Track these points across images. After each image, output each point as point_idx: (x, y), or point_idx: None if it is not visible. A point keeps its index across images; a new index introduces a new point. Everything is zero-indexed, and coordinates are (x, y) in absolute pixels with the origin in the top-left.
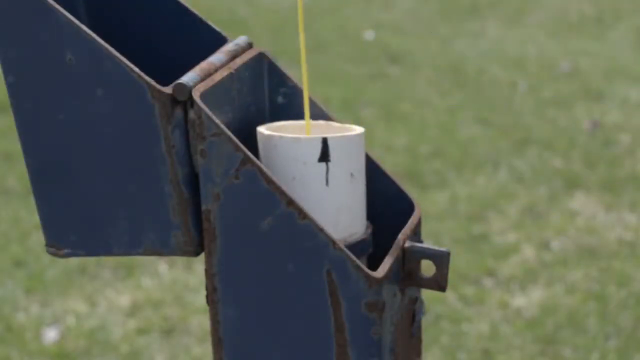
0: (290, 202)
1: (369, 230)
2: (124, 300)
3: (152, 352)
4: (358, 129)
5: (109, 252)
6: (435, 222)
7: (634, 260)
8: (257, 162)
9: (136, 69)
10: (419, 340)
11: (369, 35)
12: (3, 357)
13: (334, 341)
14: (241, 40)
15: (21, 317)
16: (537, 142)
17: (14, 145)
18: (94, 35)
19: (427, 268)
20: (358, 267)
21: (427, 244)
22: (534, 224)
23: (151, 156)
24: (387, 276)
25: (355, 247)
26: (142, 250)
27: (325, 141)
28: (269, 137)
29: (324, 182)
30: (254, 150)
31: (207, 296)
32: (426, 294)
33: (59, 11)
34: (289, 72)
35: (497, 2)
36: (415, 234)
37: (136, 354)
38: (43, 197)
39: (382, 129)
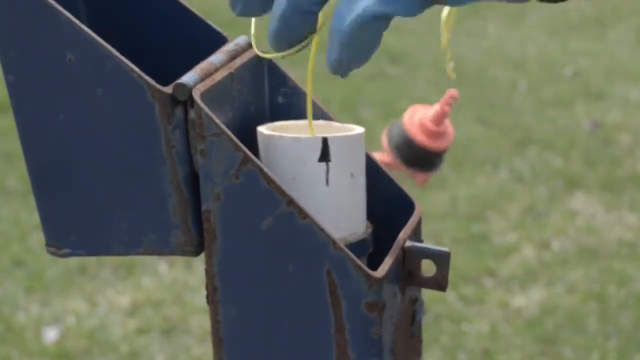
0: (291, 201)
1: (369, 230)
2: (124, 300)
3: (152, 352)
4: (358, 129)
5: (109, 252)
6: (435, 222)
7: (634, 260)
8: (258, 162)
9: (136, 69)
10: (419, 340)
11: None
12: (3, 357)
13: (334, 341)
14: (241, 40)
15: (21, 317)
16: (537, 142)
17: (14, 145)
18: (94, 35)
19: (428, 268)
20: (358, 267)
21: (427, 243)
22: (534, 224)
23: (151, 156)
24: (387, 276)
25: (356, 246)
26: (142, 250)
27: (325, 141)
28: (269, 137)
29: (324, 182)
30: (254, 150)
31: (207, 296)
32: (426, 294)
33: (59, 11)
34: (289, 72)
35: (497, 2)
36: (416, 234)
37: (136, 354)
38: (43, 197)
39: (382, 129)
